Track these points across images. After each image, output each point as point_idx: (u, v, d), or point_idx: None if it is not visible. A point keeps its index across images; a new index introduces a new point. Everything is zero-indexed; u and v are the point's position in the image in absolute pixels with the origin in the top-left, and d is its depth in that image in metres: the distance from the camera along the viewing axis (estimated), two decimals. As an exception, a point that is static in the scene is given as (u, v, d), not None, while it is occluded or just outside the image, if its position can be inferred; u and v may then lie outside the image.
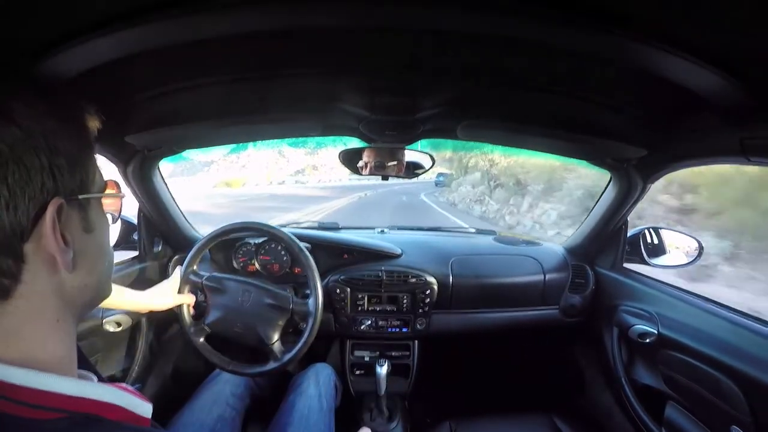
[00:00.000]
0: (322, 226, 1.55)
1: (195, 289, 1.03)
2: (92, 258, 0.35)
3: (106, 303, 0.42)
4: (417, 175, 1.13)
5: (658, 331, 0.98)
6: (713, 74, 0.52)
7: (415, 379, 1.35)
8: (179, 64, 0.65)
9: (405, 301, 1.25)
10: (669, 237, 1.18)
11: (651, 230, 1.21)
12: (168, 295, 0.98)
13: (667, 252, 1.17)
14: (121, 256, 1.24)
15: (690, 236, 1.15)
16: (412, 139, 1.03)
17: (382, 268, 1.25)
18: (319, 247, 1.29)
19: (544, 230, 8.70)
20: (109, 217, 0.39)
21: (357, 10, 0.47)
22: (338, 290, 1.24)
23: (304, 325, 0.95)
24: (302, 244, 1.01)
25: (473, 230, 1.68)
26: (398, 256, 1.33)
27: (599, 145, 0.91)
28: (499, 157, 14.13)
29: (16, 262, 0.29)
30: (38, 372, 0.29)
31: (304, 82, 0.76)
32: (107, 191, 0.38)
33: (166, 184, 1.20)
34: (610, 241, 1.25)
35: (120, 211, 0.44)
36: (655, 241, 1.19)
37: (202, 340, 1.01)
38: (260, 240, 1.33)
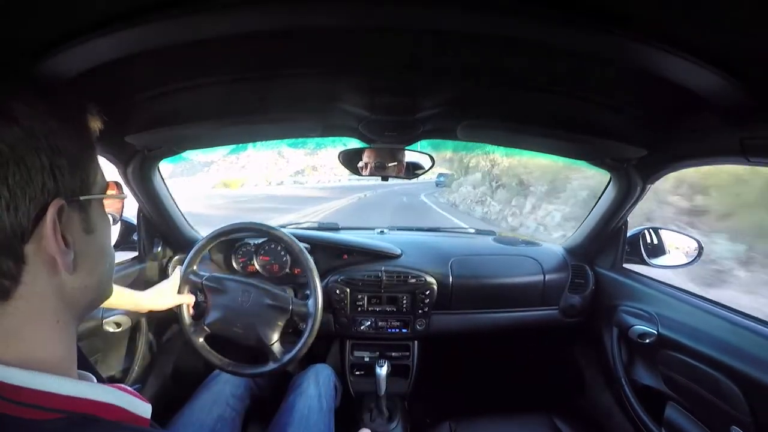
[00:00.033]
0: (322, 227, 1.55)
1: (195, 290, 1.03)
2: (93, 259, 0.35)
3: (106, 303, 0.42)
4: (417, 175, 1.13)
5: (657, 331, 0.98)
6: (713, 74, 0.52)
7: (415, 379, 1.35)
8: (179, 64, 0.65)
9: (405, 301, 1.25)
10: (669, 237, 1.18)
11: (651, 230, 1.21)
12: (168, 295, 0.98)
13: (666, 252, 1.17)
14: (121, 256, 1.24)
15: (690, 236, 1.16)
16: (411, 140, 1.03)
17: (382, 268, 1.25)
18: (318, 247, 1.29)
19: (549, 232, 8.61)
20: (110, 218, 0.39)
21: (357, 10, 0.47)
22: (338, 291, 1.24)
23: (304, 326, 0.95)
24: (302, 245, 1.01)
25: (473, 231, 1.68)
26: (398, 256, 1.33)
27: (599, 145, 0.91)
28: (501, 157, 14.05)
29: (17, 264, 0.29)
30: (37, 372, 0.29)
31: (304, 82, 0.76)
32: (108, 192, 0.38)
33: (165, 185, 1.20)
34: (609, 242, 1.25)
35: (121, 213, 0.44)
36: (655, 242, 1.19)
37: (201, 340, 1.00)
38: (260, 240, 1.33)
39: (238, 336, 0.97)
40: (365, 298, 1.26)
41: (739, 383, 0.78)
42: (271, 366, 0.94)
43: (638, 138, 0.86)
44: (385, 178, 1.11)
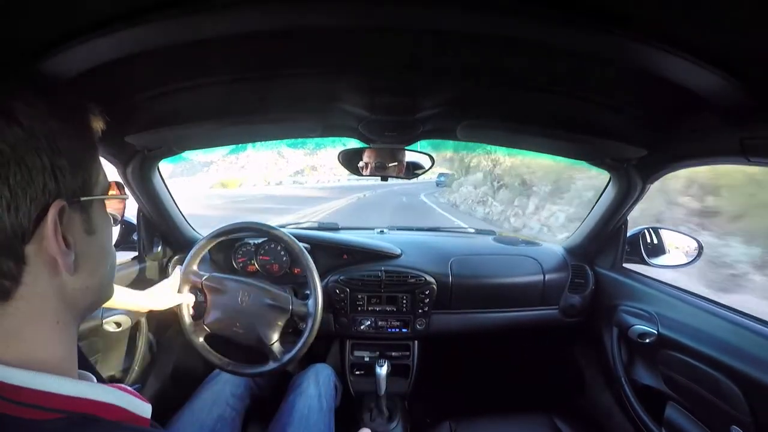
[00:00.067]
0: (322, 227, 1.55)
1: (195, 289, 1.03)
2: (94, 260, 0.35)
3: (106, 303, 0.42)
4: (417, 175, 1.13)
5: (657, 331, 0.98)
6: (713, 74, 0.52)
7: (415, 379, 1.35)
8: (179, 64, 0.65)
9: (404, 301, 1.25)
10: (669, 237, 1.18)
11: (650, 230, 1.21)
12: (168, 295, 0.98)
13: (666, 252, 1.17)
14: (121, 256, 1.24)
15: (689, 236, 1.16)
16: (411, 140, 1.03)
17: (382, 268, 1.25)
18: (318, 247, 1.29)
19: (553, 233, 8.48)
20: (111, 219, 0.39)
21: (357, 10, 0.47)
22: (338, 290, 1.24)
23: (304, 326, 0.95)
24: (302, 245, 1.01)
25: (473, 230, 1.69)
26: (398, 256, 1.33)
27: (599, 145, 0.91)
28: (503, 156, 13.91)
29: (17, 264, 0.29)
30: (37, 373, 0.29)
31: (304, 82, 0.76)
32: (110, 193, 0.37)
33: (165, 185, 1.20)
34: (609, 241, 1.25)
35: (123, 214, 0.44)
36: (655, 241, 1.19)
37: (201, 340, 1.01)
38: (260, 240, 1.33)
39: (238, 336, 0.97)
40: (365, 298, 1.26)
41: (739, 383, 0.78)
42: (271, 366, 0.94)
43: (638, 138, 0.86)
44: (384, 179, 1.11)
